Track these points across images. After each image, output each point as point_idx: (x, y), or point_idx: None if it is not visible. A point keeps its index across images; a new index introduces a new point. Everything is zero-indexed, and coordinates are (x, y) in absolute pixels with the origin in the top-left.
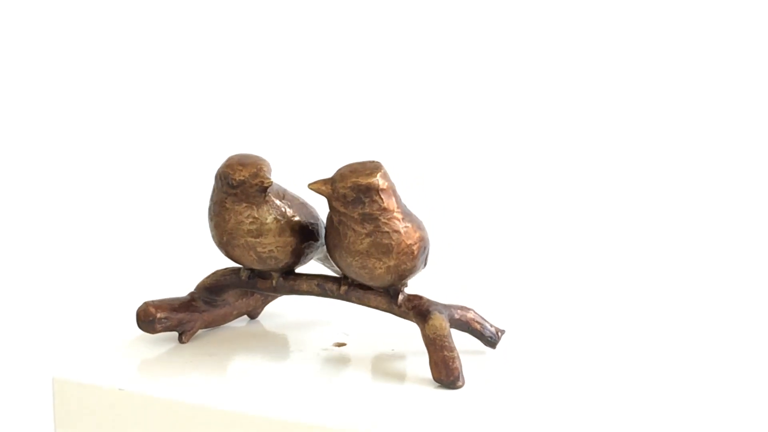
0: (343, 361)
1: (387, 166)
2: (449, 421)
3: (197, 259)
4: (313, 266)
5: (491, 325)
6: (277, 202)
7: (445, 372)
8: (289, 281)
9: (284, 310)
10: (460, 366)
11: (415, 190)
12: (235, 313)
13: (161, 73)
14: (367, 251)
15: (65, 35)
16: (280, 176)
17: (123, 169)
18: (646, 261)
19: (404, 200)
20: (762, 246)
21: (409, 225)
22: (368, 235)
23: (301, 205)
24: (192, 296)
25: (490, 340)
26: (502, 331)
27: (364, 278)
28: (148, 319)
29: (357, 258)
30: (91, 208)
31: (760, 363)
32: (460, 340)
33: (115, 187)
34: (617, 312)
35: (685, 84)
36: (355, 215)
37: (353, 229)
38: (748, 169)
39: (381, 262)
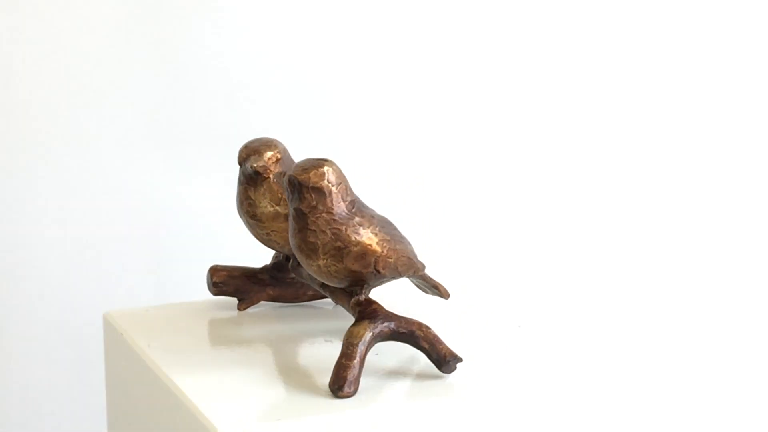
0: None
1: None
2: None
3: None
4: None
5: (443, 349)
6: (277, 188)
7: (335, 377)
8: (300, 268)
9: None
10: (352, 377)
11: (415, 190)
12: (309, 293)
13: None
14: (299, 246)
15: (69, 31)
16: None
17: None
18: (646, 260)
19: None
20: (760, 246)
21: (342, 228)
22: (299, 231)
23: None
24: (262, 269)
25: (437, 363)
26: (457, 358)
27: (310, 273)
28: (209, 281)
29: (296, 252)
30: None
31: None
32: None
33: None
34: (618, 320)
35: (684, 84)
36: (292, 209)
37: (291, 222)
38: (747, 170)
39: (311, 260)
